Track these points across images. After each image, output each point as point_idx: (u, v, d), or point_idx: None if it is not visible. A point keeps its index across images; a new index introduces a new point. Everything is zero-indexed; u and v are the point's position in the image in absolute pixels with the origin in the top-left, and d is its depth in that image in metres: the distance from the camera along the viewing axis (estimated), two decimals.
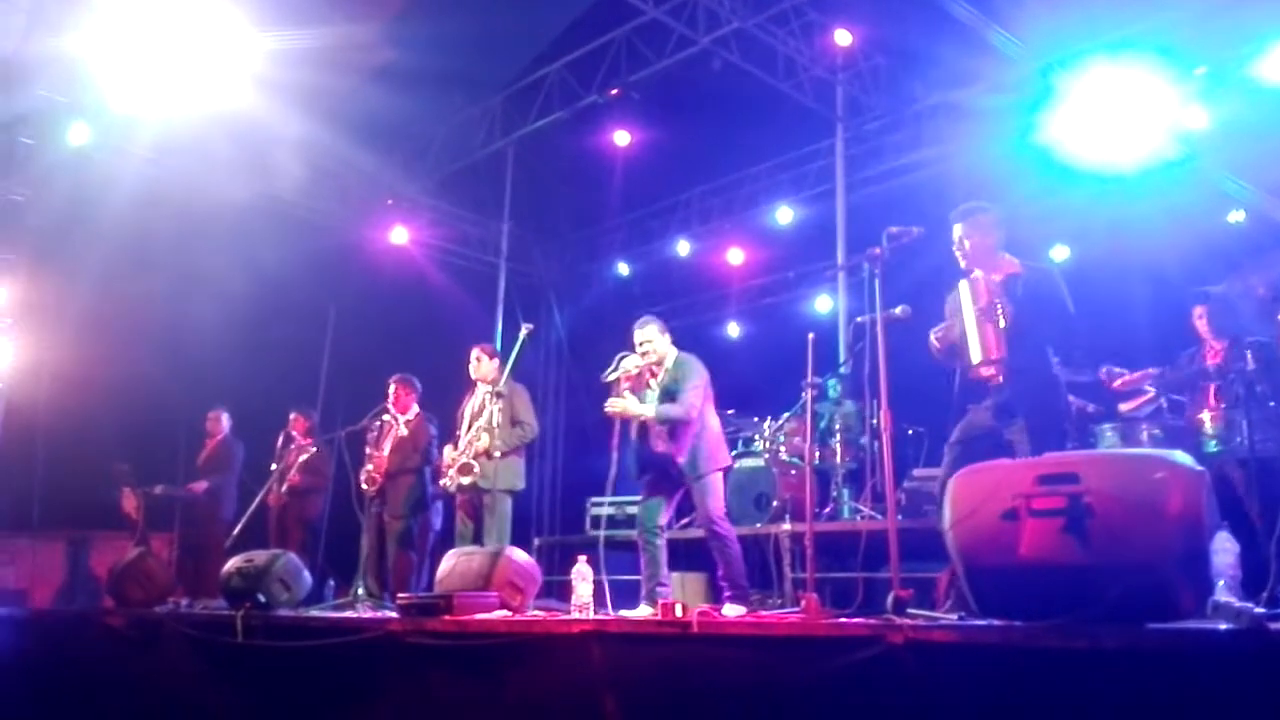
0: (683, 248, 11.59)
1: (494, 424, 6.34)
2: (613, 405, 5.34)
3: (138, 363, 8.28)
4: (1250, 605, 2.99)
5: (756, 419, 7.96)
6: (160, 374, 8.35)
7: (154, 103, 7.86)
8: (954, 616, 3.60)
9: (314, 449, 7.85)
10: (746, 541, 5.83)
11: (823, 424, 7.59)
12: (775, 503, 7.45)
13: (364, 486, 6.82)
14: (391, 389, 7.13)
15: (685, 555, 6.77)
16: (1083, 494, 2.96)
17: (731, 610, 4.85)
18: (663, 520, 5.39)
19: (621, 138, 10.26)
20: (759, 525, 6.99)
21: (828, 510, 7.35)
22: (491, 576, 5.07)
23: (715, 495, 5.27)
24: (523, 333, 6.47)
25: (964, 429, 4.49)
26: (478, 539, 6.40)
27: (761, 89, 9.01)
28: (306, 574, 6.09)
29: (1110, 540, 2.91)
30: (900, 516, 5.33)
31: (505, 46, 9.72)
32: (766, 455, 7.63)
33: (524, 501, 7.76)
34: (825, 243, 9.91)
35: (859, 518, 7.11)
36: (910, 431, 7.38)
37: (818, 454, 7.36)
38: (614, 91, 9.09)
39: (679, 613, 4.06)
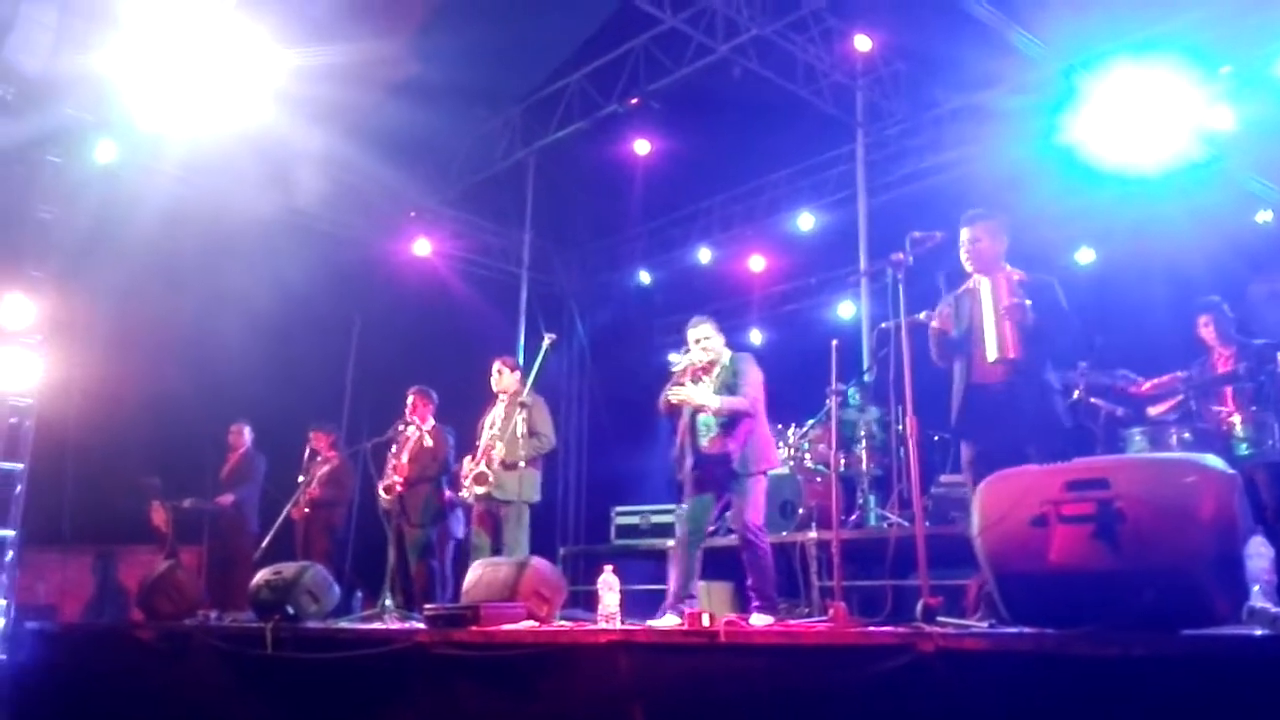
0: (704, 255, 11.59)
1: (518, 434, 6.38)
2: (677, 392, 5.32)
3: (165, 378, 8.36)
4: None
5: (780, 426, 7.93)
6: (187, 389, 8.42)
7: (180, 120, 7.94)
8: (984, 624, 3.57)
9: (336, 461, 7.90)
10: (772, 550, 5.81)
11: (847, 431, 7.55)
12: (801, 511, 7.42)
13: (383, 496, 6.87)
14: (409, 400, 7.20)
15: (712, 564, 6.72)
16: (1113, 499, 2.94)
17: (759, 620, 4.82)
18: (707, 526, 5.40)
19: (641, 147, 10.28)
20: (784, 534, 6.95)
21: (854, 518, 7.31)
22: (518, 587, 5.07)
23: (756, 503, 5.27)
24: (545, 343, 6.51)
25: (976, 450, 4.47)
26: (495, 551, 6.43)
27: (781, 96, 8.99)
28: (335, 586, 6.13)
29: (1141, 545, 2.88)
30: (927, 523, 5.30)
31: (525, 58, 9.76)
32: (791, 463, 7.61)
33: (548, 511, 7.79)
34: (847, 248, 9.87)
35: (885, 525, 7.06)
36: (936, 438, 7.33)
37: (843, 461, 7.32)
38: (634, 101, 9.11)
39: (706, 622, 4.05)
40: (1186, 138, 7.31)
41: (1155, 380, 6.05)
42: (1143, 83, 7.26)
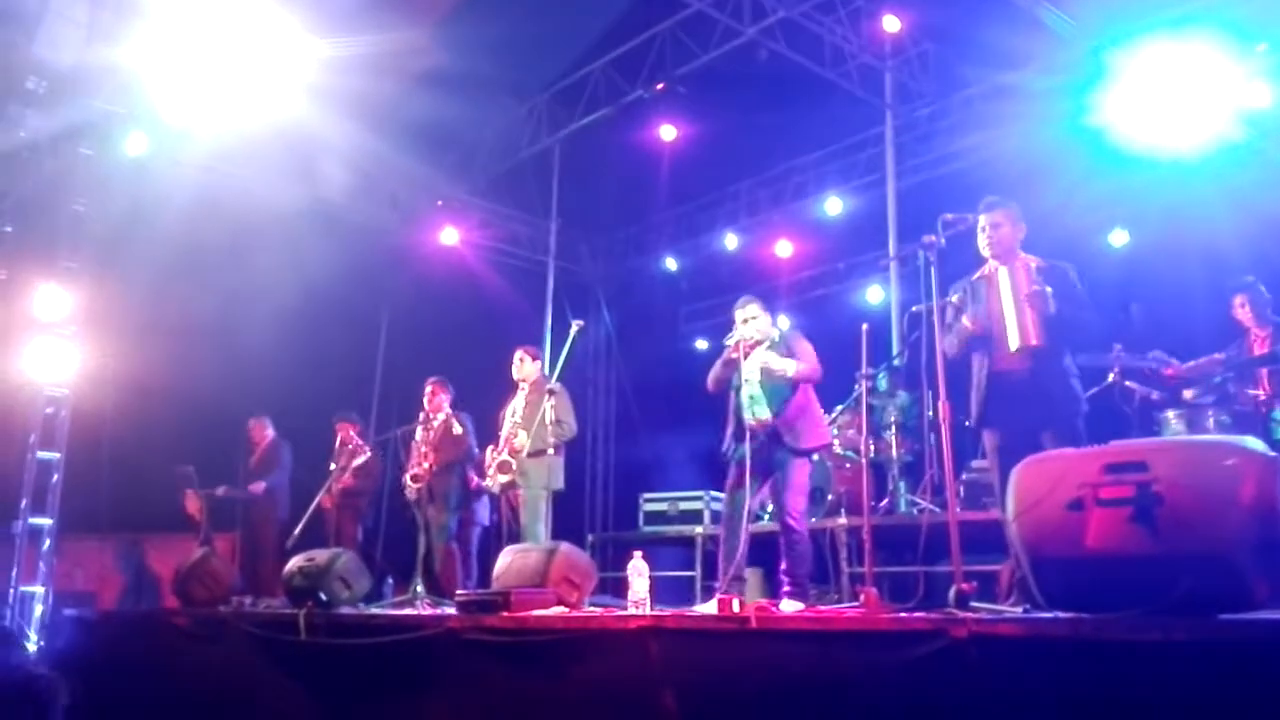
0: (731, 241, 11.54)
1: (547, 421, 6.39)
2: (767, 359, 5.33)
3: (197, 367, 8.44)
4: None
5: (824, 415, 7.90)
6: (219, 378, 8.50)
7: (209, 112, 8.00)
8: (1018, 610, 3.53)
9: (369, 452, 7.96)
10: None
11: (876, 417, 7.51)
12: (830, 497, 7.39)
13: (408, 483, 6.94)
14: (428, 390, 7.27)
15: None
16: (1151, 482, 2.89)
17: (789, 606, 4.81)
18: (754, 507, 5.40)
19: (668, 132, 10.24)
20: (814, 520, 6.93)
21: (884, 504, 7.27)
22: (548, 573, 5.08)
23: (799, 486, 5.29)
24: (573, 330, 6.52)
25: (1000, 438, 4.43)
26: (513, 538, 6.46)
27: (809, 78, 8.93)
28: (367, 572, 6.17)
29: (1180, 529, 2.84)
30: (959, 509, 5.26)
31: (550, 45, 9.73)
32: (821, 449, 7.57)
33: (576, 498, 7.82)
34: (875, 233, 9.80)
35: (916, 511, 7.02)
36: (967, 423, 7.26)
37: (873, 447, 7.28)
38: (659, 86, 9.07)
39: (736, 608, 4.04)
40: (1221, 117, 7.18)
41: (1192, 362, 5.96)
42: (1176, 61, 7.13)
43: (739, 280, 11.66)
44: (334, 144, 9.08)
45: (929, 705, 3.22)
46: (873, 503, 6.35)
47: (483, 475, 6.99)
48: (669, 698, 3.92)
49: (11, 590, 7.82)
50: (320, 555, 6.05)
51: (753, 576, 6.98)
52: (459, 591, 5.55)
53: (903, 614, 3.66)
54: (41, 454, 8.25)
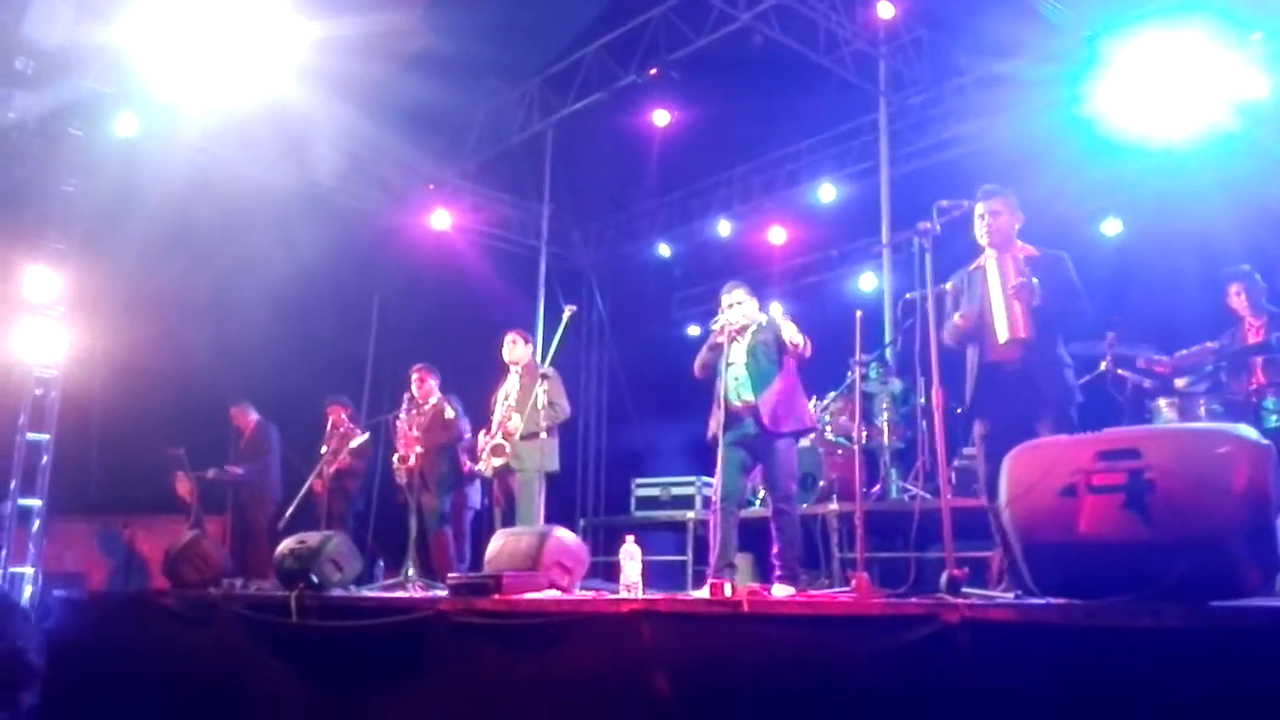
0: (724, 228, 11.52)
1: (539, 405, 6.39)
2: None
3: (188, 349, 8.41)
4: None
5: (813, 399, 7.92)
6: (210, 360, 8.48)
7: (199, 93, 7.94)
8: (1010, 595, 3.55)
9: (365, 434, 7.94)
10: None
11: (868, 403, 7.52)
12: (822, 483, 7.42)
13: (396, 465, 6.93)
14: (414, 376, 7.27)
15: None
16: (1144, 469, 2.91)
17: (781, 590, 4.83)
18: (743, 492, 5.43)
19: (661, 118, 10.20)
20: (805, 505, 6.95)
21: (876, 490, 7.30)
22: (540, 557, 5.09)
23: (788, 468, 5.32)
24: (566, 314, 6.51)
25: (988, 427, 4.44)
26: (507, 521, 6.47)
27: (803, 64, 8.90)
28: (358, 555, 6.17)
29: (1172, 516, 2.85)
30: (950, 496, 5.28)
31: (542, 28, 9.69)
32: (813, 435, 7.58)
33: (568, 483, 7.83)
34: (868, 220, 9.80)
35: (906, 497, 7.05)
36: (959, 410, 7.28)
37: (864, 434, 7.30)
38: (653, 71, 9.02)
39: (728, 592, 4.05)
40: (1215, 106, 7.18)
41: (1184, 351, 5.98)
42: (1169, 50, 7.12)
43: (732, 267, 11.65)
44: (325, 126, 9.04)
45: (921, 689, 3.23)
46: (864, 489, 6.36)
47: (475, 459, 6.99)
48: (661, 681, 3.93)
49: (0, 571, 7.80)
50: (312, 538, 6.05)
51: (743, 561, 7.00)
52: (450, 574, 5.56)
53: (895, 599, 3.68)
54: (31, 435, 8.20)
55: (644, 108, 10.15)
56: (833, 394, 7.57)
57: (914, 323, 4.28)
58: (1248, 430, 2.97)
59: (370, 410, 8.53)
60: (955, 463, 6.68)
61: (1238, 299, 5.79)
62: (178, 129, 8.77)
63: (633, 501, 8.67)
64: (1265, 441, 2.93)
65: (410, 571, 6.42)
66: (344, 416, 8.16)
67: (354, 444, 7.86)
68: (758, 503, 6.98)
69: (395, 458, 7.07)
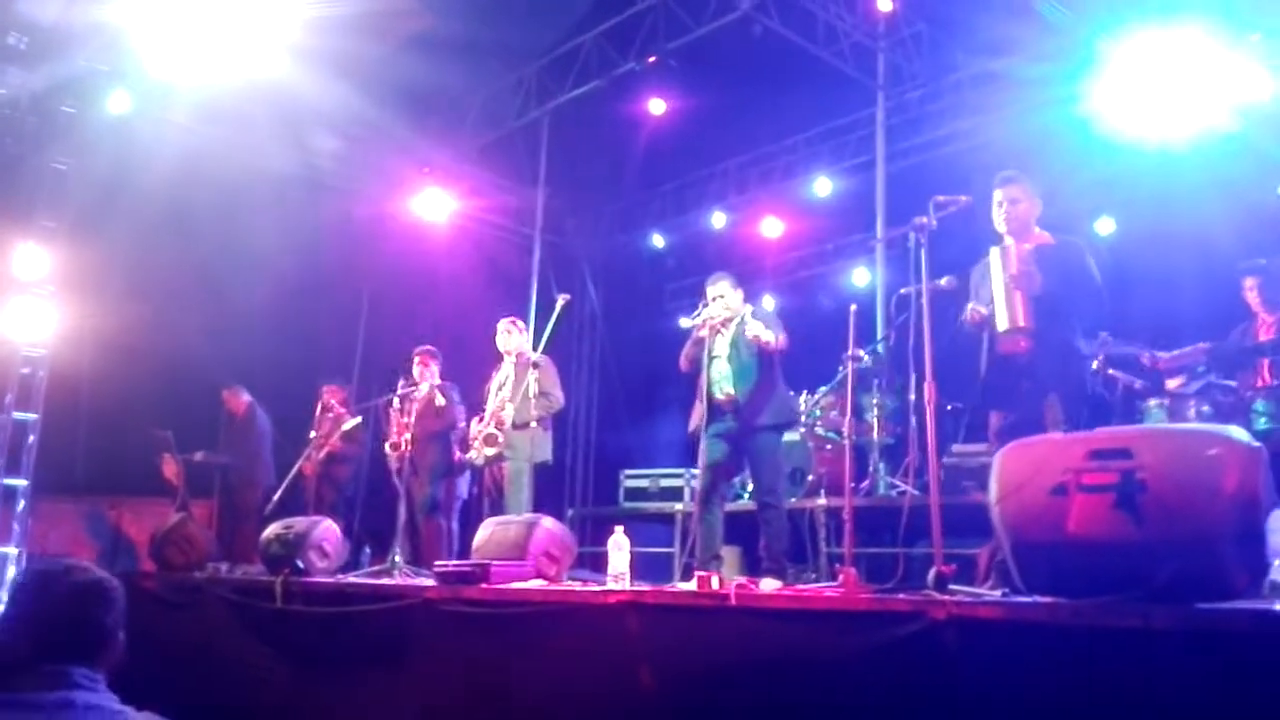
0: (718, 219, 11.50)
1: (530, 395, 6.36)
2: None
3: (178, 330, 8.36)
4: None
5: (792, 393, 7.90)
6: (200, 341, 8.42)
7: (193, 71, 7.86)
8: (998, 593, 3.54)
9: (358, 417, 7.91)
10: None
11: (860, 399, 7.51)
12: (810, 477, 7.42)
13: (389, 452, 6.89)
14: (416, 359, 7.21)
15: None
16: (1135, 469, 2.89)
17: (768, 584, 4.83)
18: (726, 486, 5.42)
19: (657, 107, 10.16)
20: (794, 500, 6.94)
21: (865, 485, 7.29)
22: (527, 546, 5.08)
23: (773, 460, 5.31)
24: (559, 303, 6.48)
25: (1003, 418, 4.42)
26: (496, 510, 6.45)
27: (802, 56, 8.87)
28: (345, 541, 6.15)
29: (1162, 517, 2.84)
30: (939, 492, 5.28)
31: (541, 13, 9.63)
32: (802, 429, 7.58)
33: (557, 473, 7.81)
34: (863, 214, 9.78)
35: (895, 493, 7.05)
36: (949, 407, 7.29)
37: (854, 428, 7.29)
38: (651, 59, 8.98)
39: (716, 585, 4.04)
40: (1212, 107, 7.17)
41: (1176, 351, 5.98)
42: (1167, 50, 7.11)
43: (726, 259, 11.61)
44: (320, 106, 8.96)
45: (907, 685, 3.23)
46: (853, 484, 6.36)
47: (466, 448, 6.96)
48: (646, 673, 3.92)
49: None
50: (298, 523, 6.03)
51: (730, 554, 7.02)
52: (437, 562, 5.54)
53: (883, 595, 3.67)
54: (17, 414, 8.17)
55: (641, 97, 10.10)
56: (824, 389, 7.56)
57: (908, 318, 4.26)
58: (1239, 432, 2.96)
59: (360, 395, 8.49)
60: (944, 459, 6.69)
61: (1251, 293, 5.74)
62: (172, 108, 8.70)
63: (621, 492, 8.66)
64: (1256, 444, 2.92)
65: (397, 559, 6.40)
66: (334, 402, 8.13)
67: (346, 427, 7.83)
68: (745, 496, 6.97)
69: (387, 444, 7.02)
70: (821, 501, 6.79)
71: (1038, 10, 7.47)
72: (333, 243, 9.24)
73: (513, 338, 6.84)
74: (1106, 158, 7.70)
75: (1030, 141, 8.10)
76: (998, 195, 4.51)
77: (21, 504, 8.10)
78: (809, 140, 10.78)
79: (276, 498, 7.37)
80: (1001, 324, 4.34)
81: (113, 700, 2.09)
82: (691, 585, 4.30)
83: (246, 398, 8.72)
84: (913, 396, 6.95)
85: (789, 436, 7.41)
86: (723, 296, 5.48)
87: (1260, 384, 5.43)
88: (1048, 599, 3.07)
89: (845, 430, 5.95)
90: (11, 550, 7.97)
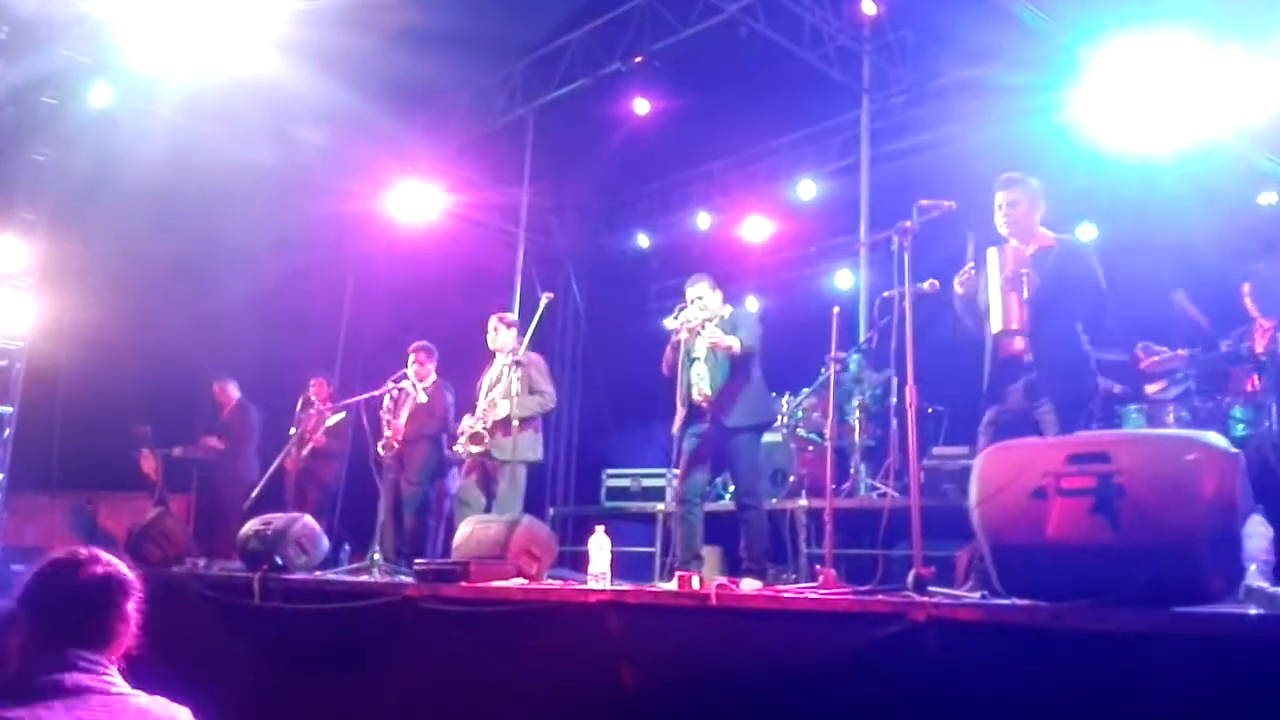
0: (703, 221, 11.51)
1: (513, 393, 6.34)
2: (711, 334, 5.33)
3: (158, 324, 8.30)
4: None
5: (774, 394, 7.92)
6: (180, 336, 8.36)
7: (177, 64, 7.80)
8: (977, 595, 3.56)
9: (341, 413, 7.86)
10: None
11: (843, 400, 7.53)
12: (792, 478, 7.44)
13: (381, 453, 6.83)
14: (411, 357, 7.15)
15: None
16: (1114, 474, 2.92)
17: (749, 584, 4.83)
18: (704, 487, 5.43)
19: (642, 107, 10.15)
20: (774, 501, 6.96)
21: (846, 487, 7.32)
22: (508, 545, 5.07)
23: (752, 461, 5.32)
24: (543, 301, 6.46)
25: (997, 412, 4.44)
26: (487, 509, 6.42)
27: (787, 59, 8.88)
28: (324, 538, 6.12)
29: (1140, 521, 2.87)
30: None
31: (528, 10, 9.60)
32: (784, 431, 7.60)
33: (539, 472, 7.78)
34: (847, 217, 9.80)
35: (875, 495, 7.07)
36: (930, 410, 7.33)
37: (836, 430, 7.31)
38: (637, 59, 8.98)
39: (696, 585, 4.05)
40: (1194, 114, 7.22)
41: (1155, 357, 6.02)
42: (1149, 58, 7.16)
43: (709, 260, 11.62)
44: (304, 100, 8.91)
45: (886, 686, 3.25)
46: (834, 486, 6.38)
47: (454, 445, 6.91)
48: (627, 672, 3.93)
49: None
50: (277, 519, 6.00)
51: (711, 555, 7.03)
52: (418, 560, 5.52)
53: (863, 596, 3.68)
54: None
55: (627, 97, 10.09)
56: (807, 390, 7.59)
57: (890, 321, 4.28)
58: (1217, 438, 2.99)
59: (341, 389, 8.45)
60: (924, 462, 6.72)
61: (1248, 299, 5.76)
62: (154, 101, 8.63)
63: (603, 492, 8.66)
64: (1234, 450, 2.95)
65: (376, 556, 6.37)
66: (316, 398, 8.08)
67: (330, 423, 7.78)
68: (726, 497, 6.98)
69: (379, 444, 6.94)
70: (802, 503, 6.81)
71: (1020, 18, 7.51)
72: (316, 237, 9.20)
73: (500, 335, 6.78)
74: (1088, 165, 7.74)
75: (1013, 147, 8.14)
76: (998, 198, 4.52)
77: None
78: (793, 143, 10.80)
79: (255, 493, 7.32)
80: (995, 325, 4.36)
81: (114, 685, 2.12)
82: (672, 585, 4.31)
83: (236, 394, 8.66)
84: (894, 400, 6.99)
85: (770, 438, 7.45)
86: (701, 298, 5.50)
87: (1244, 391, 5.47)
88: (1026, 602, 3.09)
89: (827, 432, 5.99)
90: None
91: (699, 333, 5.43)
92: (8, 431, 8.12)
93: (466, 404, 6.90)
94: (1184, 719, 2.69)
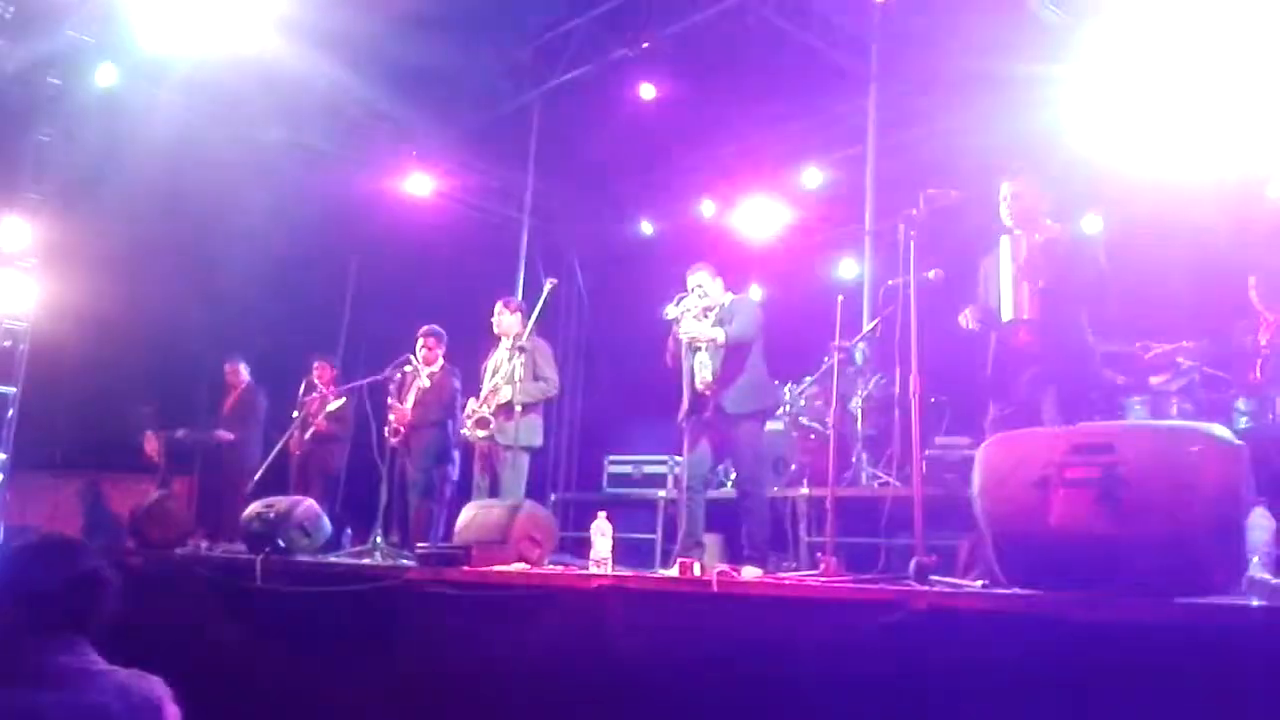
0: (707, 208, 11.47)
1: (516, 378, 6.34)
2: (687, 330, 5.37)
3: (163, 305, 8.31)
4: None
5: (777, 383, 7.91)
6: (185, 317, 8.38)
7: (182, 45, 7.79)
8: (978, 585, 3.57)
9: (343, 398, 7.86)
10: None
11: (847, 389, 7.53)
12: (793, 467, 7.44)
13: (388, 437, 6.84)
14: (420, 341, 7.14)
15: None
16: (1117, 464, 2.91)
17: (750, 571, 4.84)
18: (707, 474, 5.44)
19: (647, 91, 10.10)
20: (776, 489, 6.97)
21: (847, 475, 7.32)
22: (510, 529, 5.07)
23: (754, 449, 5.32)
24: (546, 287, 6.47)
25: (1000, 408, 4.44)
26: (494, 493, 6.43)
27: (795, 46, 8.84)
28: (326, 521, 6.13)
29: (1143, 512, 2.86)
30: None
31: None
32: (786, 419, 7.60)
33: (541, 458, 7.80)
34: (852, 206, 9.77)
35: (876, 484, 7.08)
36: (932, 400, 7.31)
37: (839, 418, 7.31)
38: (644, 45, 8.93)
39: (697, 572, 4.06)
40: (1202, 107, 7.20)
41: (1158, 349, 6.01)
42: (1158, 51, 7.12)
43: (714, 248, 11.60)
44: (310, 83, 8.89)
45: (886, 675, 3.25)
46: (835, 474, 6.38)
47: (459, 430, 6.91)
48: (627, 657, 3.93)
49: None
50: (280, 502, 6.01)
51: (712, 542, 7.04)
52: (420, 544, 5.54)
53: (865, 584, 3.69)
54: None
55: (633, 83, 10.05)
56: (809, 379, 7.58)
57: (895, 309, 4.27)
58: (1220, 430, 2.99)
59: (344, 374, 8.45)
60: (926, 452, 6.71)
61: (1253, 292, 5.76)
62: (159, 82, 8.62)
63: (605, 478, 8.68)
64: (1238, 441, 2.95)
65: (379, 539, 6.38)
66: (319, 381, 8.08)
67: (331, 408, 7.78)
68: (728, 484, 6.99)
69: (386, 429, 6.95)
70: (804, 491, 6.81)
71: (1030, 7, 7.47)
72: (320, 220, 9.18)
73: (503, 320, 6.78)
74: (1096, 156, 7.72)
75: (1021, 138, 8.10)
76: (1003, 189, 4.52)
77: (0, 477, 8.04)
78: (800, 130, 10.74)
79: (258, 476, 7.34)
80: (1006, 314, 4.36)
81: (95, 662, 2.22)
82: (673, 572, 4.32)
83: (246, 376, 8.66)
84: (897, 389, 6.98)
85: (773, 426, 7.45)
86: (701, 286, 5.50)
87: (1249, 382, 5.46)
88: (1028, 591, 3.09)
89: (829, 420, 5.99)
90: None
91: (700, 320, 5.43)
92: (11, 412, 8.14)
93: (471, 389, 6.91)
94: (1185, 710, 2.69)
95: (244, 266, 8.43)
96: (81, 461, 8.77)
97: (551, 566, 5.13)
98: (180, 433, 8.27)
